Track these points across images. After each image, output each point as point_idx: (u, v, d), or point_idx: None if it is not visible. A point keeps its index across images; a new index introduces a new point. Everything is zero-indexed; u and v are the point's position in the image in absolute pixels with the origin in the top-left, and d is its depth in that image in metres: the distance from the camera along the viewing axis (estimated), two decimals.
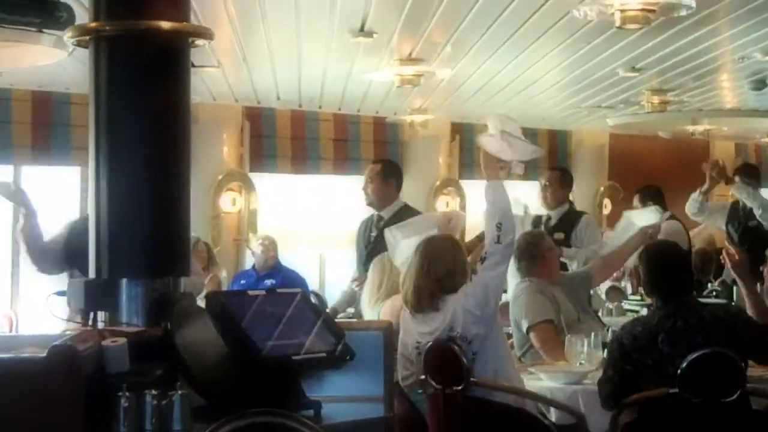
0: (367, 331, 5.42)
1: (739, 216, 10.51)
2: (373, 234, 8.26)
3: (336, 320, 5.44)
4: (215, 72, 9.45)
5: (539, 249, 7.06)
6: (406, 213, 7.98)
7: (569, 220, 9.03)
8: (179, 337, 4.37)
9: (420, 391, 5.88)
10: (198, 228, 7.45)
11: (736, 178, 10.29)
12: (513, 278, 7.08)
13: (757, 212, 9.97)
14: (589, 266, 7.83)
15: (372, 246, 8.11)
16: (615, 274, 9.70)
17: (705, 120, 13.07)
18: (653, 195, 10.50)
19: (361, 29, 7.76)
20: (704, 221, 11.03)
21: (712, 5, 7.01)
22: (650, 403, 5.53)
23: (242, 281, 10.91)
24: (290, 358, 4.38)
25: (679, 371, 5.34)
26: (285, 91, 10.99)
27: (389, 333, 5.39)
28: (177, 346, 4.33)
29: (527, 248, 7.01)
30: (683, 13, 6.74)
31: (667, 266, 5.72)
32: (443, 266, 5.80)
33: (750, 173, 10.59)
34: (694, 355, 5.34)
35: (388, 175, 8.37)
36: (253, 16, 7.41)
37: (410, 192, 13.04)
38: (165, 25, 4.89)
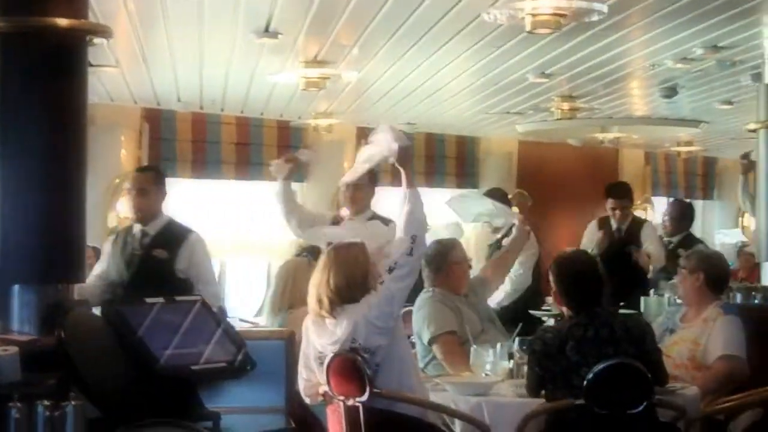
0: (269, 341, 5.31)
1: None
2: None
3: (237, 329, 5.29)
4: (114, 72, 9.24)
5: (447, 259, 6.97)
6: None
7: None
8: (73, 346, 4.26)
9: (322, 402, 5.78)
10: (94, 232, 7.22)
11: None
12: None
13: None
14: (480, 271, 7.77)
15: None
16: None
17: (615, 128, 13.14)
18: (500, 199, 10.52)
19: (266, 30, 7.61)
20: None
21: (624, 11, 6.97)
22: (557, 415, 5.54)
23: None
24: (188, 368, 4.27)
25: (585, 382, 5.37)
26: (186, 92, 10.80)
27: (291, 343, 5.28)
28: (71, 355, 4.23)
29: (434, 257, 6.92)
30: (595, 18, 6.72)
31: (578, 276, 5.77)
32: (344, 276, 5.66)
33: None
34: (601, 366, 5.40)
35: None
36: (154, 14, 7.21)
37: (314, 197, 12.96)
38: (62, 22, 4.81)
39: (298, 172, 7.74)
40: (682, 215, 10.58)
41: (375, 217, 7.80)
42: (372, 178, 7.79)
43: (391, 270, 5.63)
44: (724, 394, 6.30)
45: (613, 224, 10.08)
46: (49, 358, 4.26)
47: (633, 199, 10.27)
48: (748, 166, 10.82)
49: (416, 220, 5.66)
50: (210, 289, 7.27)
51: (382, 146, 5.87)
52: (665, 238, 10.47)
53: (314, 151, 8.54)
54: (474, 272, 7.57)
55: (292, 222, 7.50)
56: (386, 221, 7.60)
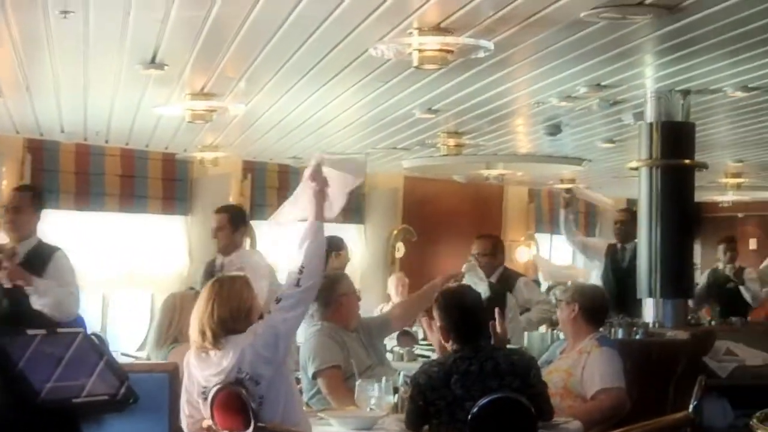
0: (152, 374, 5.22)
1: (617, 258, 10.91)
2: None
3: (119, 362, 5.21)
4: None
5: (334, 293, 6.95)
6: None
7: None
8: None
9: None
10: None
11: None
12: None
13: None
14: (386, 312, 7.75)
15: None
16: None
17: (500, 164, 13.25)
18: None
19: (152, 61, 7.53)
20: (583, 253, 11.56)
21: (510, 48, 7.03)
22: None
23: None
24: (70, 400, 4.16)
25: (470, 416, 5.40)
26: (70, 123, 10.64)
27: (175, 376, 5.20)
28: None
29: (322, 291, 6.87)
30: (481, 54, 6.77)
31: (463, 310, 5.79)
32: (229, 308, 5.62)
33: None
34: (485, 400, 5.44)
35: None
36: (38, 41, 7.09)
37: (198, 231, 12.86)
38: None
39: None
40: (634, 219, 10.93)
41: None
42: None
43: (278, 300, 5.62)
44: (607, 428, 6.35)
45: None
46: None
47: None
48: (569, 200, 11.20)
49: (309, 251, 5.64)
50: (65, 289, 7.50)
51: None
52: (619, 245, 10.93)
53: None
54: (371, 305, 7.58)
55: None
56: None
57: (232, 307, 5.63)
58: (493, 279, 9.46)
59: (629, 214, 11.09)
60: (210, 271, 8.93)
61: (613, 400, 6.55)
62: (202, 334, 5.59)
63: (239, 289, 5.74)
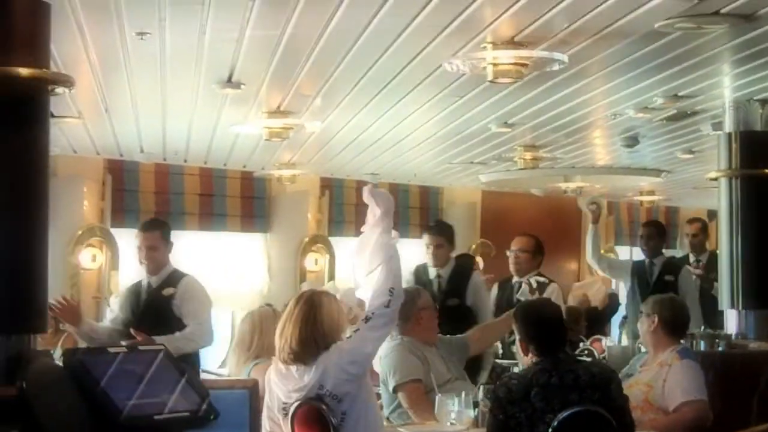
0: (232, 390, 5.25)
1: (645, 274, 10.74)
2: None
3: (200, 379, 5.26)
4: (76, 123, 9.17)
5: (412, 308, 6.95)
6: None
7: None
8: (35, 397, 4.19)
9: None
10: (56, 284, 7.21)
11: None
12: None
13: None
14: (467, 335, 7.73)
15: None
16: None
17: (577, 177, 13.18)
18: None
19: (229, 80, 7.59)
20: (609, 273, 11.43)
21: (585, 61, 7.00)
22: None
23: None
24: (152, 417, 4.22)
25: (550, 429, 5.38)
26: (149, 143, 10.76)
27: (255, 392, 5.22)
28: (33, 407, 4.15)
29: (402, 306, 6.90)
30: (556, 67, 6.76)
31: (542, 322, 5.80)
32: (317, 323, 5.66)
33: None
34: (566, 413, 5.42)
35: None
36: (116, 64, 7.18)
37: (278, 249, 12.93)
38: (23, 71, 4.73)
39: None
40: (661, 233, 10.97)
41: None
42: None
43: (367, 319, 5.66)
44: None
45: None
46: (11, 409, 4.20)
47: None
48: (598, 212, 10.97)
49: (394, 272, 5.70)
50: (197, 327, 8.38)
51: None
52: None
53: None
54: None
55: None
56: None
57: (322, 322, 5.67)
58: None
59: (656, 228, 11.03)
60: (137, 292, 8.82)
61: (696, 413, 6.49)
62: (290, 348, 5.63)
63: (328, 305, 5.79)
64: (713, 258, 10.87)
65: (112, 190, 12.05)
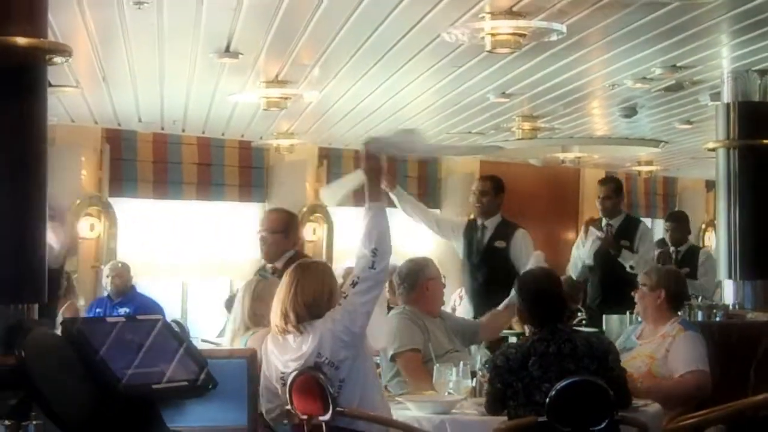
0: (230, 360, 5.27)
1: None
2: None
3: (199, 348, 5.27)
4: (74, 92, 9.16)
5: (419, 278, 6.97)
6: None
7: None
8: (34, 366, 4.19)
9: (285, 423, 5.76)
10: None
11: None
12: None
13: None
14: (479, 321, 7.71)
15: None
16: None
17: (576, 147, 13.17)
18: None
19: (227, 49, 7.59)
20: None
21: (583, 31, 7.00)
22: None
23: (97, 309, 10.81)
24: (150, 387, 4.21)
25: (548, 399, 5.39)
26: (147, 113, 10.75)
27: (253, 361, 5.23)
28: (31, 375, 4.15)
29: (408, 275, 6.95)
30: (554, 38, 6.75)
31: (540, 292, 5.83)
32: (311, 291, 5.67)
33: None
34: (563, 383, 5.42)
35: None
36: (114, 33, 7.17)
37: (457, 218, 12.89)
38: (21, 41, 4.73)
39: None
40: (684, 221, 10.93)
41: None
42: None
43: (354, 284, 5.65)
44: (689, 410, 6.33)
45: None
46: (10, 377, 4.20)
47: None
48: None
49: (377, 233, 5.65)
50: None
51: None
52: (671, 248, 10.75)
53: None
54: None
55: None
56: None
57: (316, 291, 5.68)
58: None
59: (676, 218, 11.06)
60: None
61: (697, 382, 6.54)
62: (285, 317, 5.63)
63: (322, 273, 5.80)
64: (692, 251, 10.95)
65: (110, 159, 12.05)
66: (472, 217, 9.27)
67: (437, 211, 11.00)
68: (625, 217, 10.25)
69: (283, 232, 7.70)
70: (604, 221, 10.15)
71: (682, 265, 10.39)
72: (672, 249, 10.88)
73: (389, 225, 5.73)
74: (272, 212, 8.45)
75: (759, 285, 8.73)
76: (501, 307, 7.62)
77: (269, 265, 7.66)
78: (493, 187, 9.22)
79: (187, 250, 12.84)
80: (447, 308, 9.45)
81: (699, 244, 15.22)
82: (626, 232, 9.97)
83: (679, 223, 11.06)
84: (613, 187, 10.29)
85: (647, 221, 11.64)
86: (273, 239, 7.67)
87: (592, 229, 10.11)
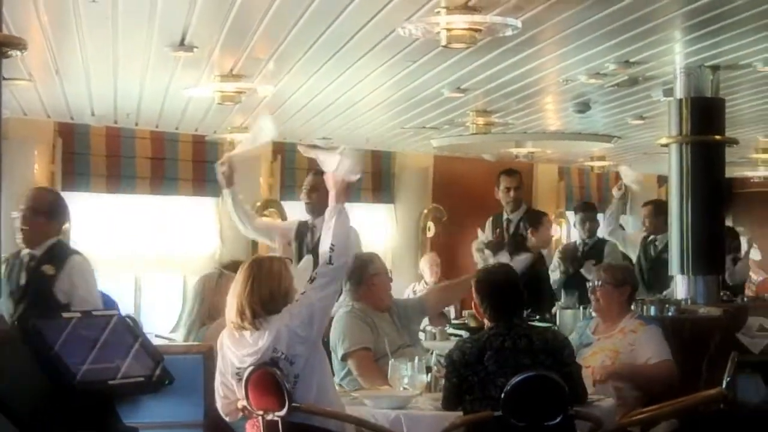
0: (186, 355, 5.26)
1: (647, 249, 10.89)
2: None
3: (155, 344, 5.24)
4: (27, 85, 9.09)
5: (364, 273, 6.98)
6: None
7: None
8: None
9: (241, 418, 5.77)
10: (6, 248, 7.10)
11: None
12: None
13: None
14: (422, 297, 7.77)
15: None
16: None
17: (529, 143, 13.22)
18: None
19: (182, 43, 7.54)
20: (623, 247, 11.27)
21: (538, 26, 7.01)
22: (475, 427, 5.59)
23: None
24: (106, 382, 4.22)
25: (503, 393, 5.43)
26: (100, 106, 10.66)
27: (210, 357, 5.23)
28: None
29: (354, 271, 6.94)
30: (509, 33, 6.75)
31: (498, 288, 5.84)
32: (268, 287, 5.68)
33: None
34: (518, 378, 5.48)
35: None
36: (68, 26, 7.12)
37: (229, 213, 12.86)
38: None
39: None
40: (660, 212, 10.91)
41: None
42: None
43: (312, 280, 5.69)
44: (648, 402, 6.40)
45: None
46: None
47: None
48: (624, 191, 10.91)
49: (337, 231, 5.71)
50: None
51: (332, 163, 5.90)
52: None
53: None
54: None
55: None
56: None
57: (272, 286, 5.69)
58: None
59: (655, 207, 11.10)
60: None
61: (669, 371, 6.69)
62: (241, 313, 5.64)
63: (278, 269, 5.81)
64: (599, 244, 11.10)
65: (62, 153, 11.94)
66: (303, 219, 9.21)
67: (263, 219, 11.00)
68: (527, 210, 10.37)
69: (46, 213, 7.07)
70: (504, 216, 10.28)
71: (588, 257, 10.53)
72: (580, 242, 11.18)
73: (349, 224, 5.79)
74: (37, 190, 7.77)
75: (710, 280, 8.79)
76: (451, 282, 7.71)
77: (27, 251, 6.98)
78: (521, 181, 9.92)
79: (141, 245, 12.76)
80: None
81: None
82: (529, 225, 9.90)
83: (655, 208, 11.14)
84: (520, 178, 10.44)
85: (599, 216, 11.60)
86: (34, 221, 6.99)
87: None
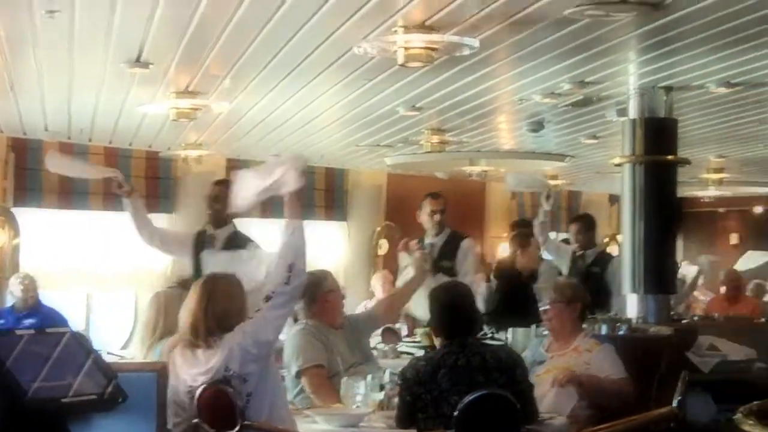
0: (140, 373, 5.21)
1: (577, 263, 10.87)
2: None
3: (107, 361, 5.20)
4: None
5: (318, 290, 6.96)
6: None
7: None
8: None
9: None
10: None
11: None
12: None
13: None
14: (371, 309, 7.78)
15: None
16: None
17: (482, 161, 13.26)
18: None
19: (137, 59, 7.51)
20: (555, 256, 11.17)
21: (494, 46, 7.04)
22: None
23: (1, 321, 10.59)
24: (58, 400, 4.17)
25: (456, 412, 5.43)
26: (54, 122, 10.61)
27: (163, 374, 5.18)
28: None
29: (307, 288, 6.90)
30: (466, 52, 6.78)
31: (451, 305, 5.86)
32: (221, 305, 5.66)
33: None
34: (471, 396, 5.49)
35: None
36: (23, 40, 7.07)
37: (184, 229, 12.80)
38: None
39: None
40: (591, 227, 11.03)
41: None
42: None
43: (268, 299, 5.67)
44: (600, 420, 6.42)
45: None
46: None
47: None
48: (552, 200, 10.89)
49: (294, 250, 5.69)
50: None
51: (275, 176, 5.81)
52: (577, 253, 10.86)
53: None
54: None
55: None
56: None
57: (226, 304, 5.67)
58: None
59: (584, 223, 11.13)
60: None
61: (629, 388, 6.73)
62: (195, 330, 5.62)
63: (232, 287, 5.79)
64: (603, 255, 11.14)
65: (14, 168, 11.87)
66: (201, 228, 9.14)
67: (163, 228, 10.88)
68: (450, 234, 10.03)
69: None
70: (427, 240, 9.91)
71: (593, 266, 10.58)
72: (578, 252, 11.00)
73: (305, 243, 5.76)
74: None
75: (661, 299, 8.86)
76: (396, 291, 7.71)
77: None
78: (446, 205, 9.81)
79: (92, 261, 12.68)
80: None
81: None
82: (448, 251, 9.85)
83: (585, 223, 11.17)
84: (444, 201, 10.14)
85: (552, 234, 11.60)
86: None
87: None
